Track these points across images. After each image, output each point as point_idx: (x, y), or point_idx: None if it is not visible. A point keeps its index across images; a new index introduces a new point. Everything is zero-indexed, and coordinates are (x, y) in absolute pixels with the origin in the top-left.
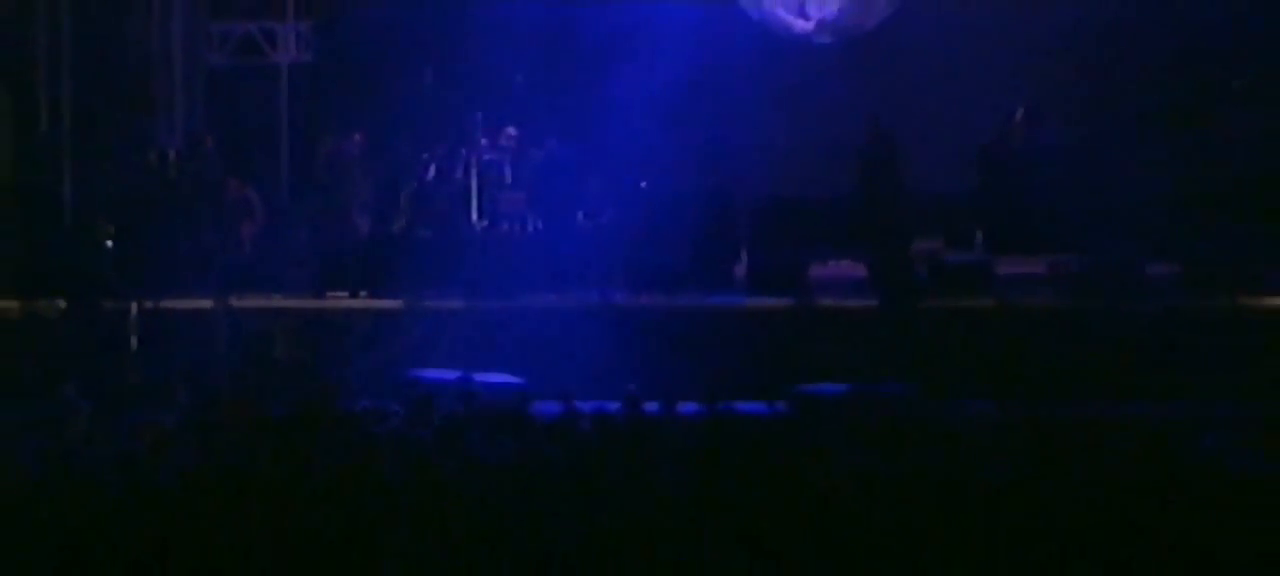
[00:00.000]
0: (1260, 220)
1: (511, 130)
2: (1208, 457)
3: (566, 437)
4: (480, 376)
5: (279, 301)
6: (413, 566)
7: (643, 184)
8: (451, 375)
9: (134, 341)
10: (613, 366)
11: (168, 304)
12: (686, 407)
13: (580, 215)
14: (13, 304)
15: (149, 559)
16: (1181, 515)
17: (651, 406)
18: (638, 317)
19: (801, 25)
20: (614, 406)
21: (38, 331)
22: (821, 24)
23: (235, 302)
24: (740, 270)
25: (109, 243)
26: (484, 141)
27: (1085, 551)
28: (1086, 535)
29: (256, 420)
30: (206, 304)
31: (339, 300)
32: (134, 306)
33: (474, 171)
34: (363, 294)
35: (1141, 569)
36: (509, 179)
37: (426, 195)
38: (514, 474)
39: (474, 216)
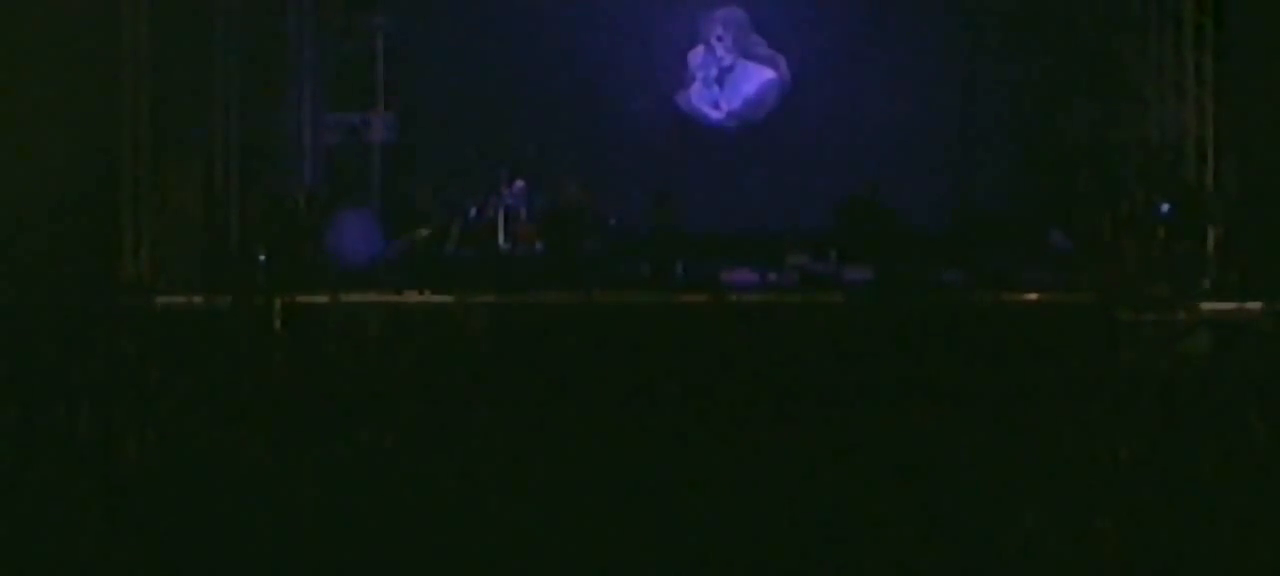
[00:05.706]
0: (1020, 242)
1: (520, 182)
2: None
3: None
4: None
5: (372, 296)
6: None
7: (612, 221)
8: None
9: (277, 323)
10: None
11: (300, 298)
12: None
13: None
14: (199, 298)
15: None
16: None
17: None
18: (611, 308)
19: (715, 114)
20: None
21: (215, 318)
22: (729, 114)
23: (343, 297)
24: (677, 274)
25: (262, 257)
26: (506, 191)
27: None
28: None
29: None
30: (324, 298)
31: (413, 296)
32: (277, 300)
33: (501, 212)
34: (428, 292)
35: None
36: (524, 217)
37: (470, 228)
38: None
39: (501, 242)
